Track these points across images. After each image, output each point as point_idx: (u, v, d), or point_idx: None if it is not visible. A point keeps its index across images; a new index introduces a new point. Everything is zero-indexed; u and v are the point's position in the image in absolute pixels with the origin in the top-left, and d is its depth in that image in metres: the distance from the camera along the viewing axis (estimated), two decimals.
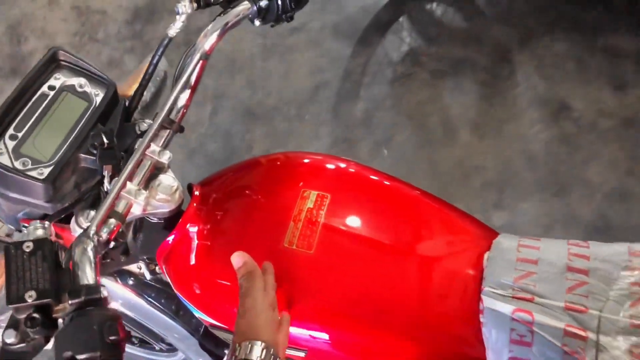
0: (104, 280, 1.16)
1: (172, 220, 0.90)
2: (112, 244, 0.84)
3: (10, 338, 0.62)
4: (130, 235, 1.02)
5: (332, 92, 2.28)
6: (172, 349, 1.67)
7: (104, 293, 0.64)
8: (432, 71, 2.31)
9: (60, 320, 0.65)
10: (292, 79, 2.34)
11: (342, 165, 0.96)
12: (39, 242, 0.66)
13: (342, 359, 0.85)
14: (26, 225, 0.89)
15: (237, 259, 0.81)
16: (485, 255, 0.85)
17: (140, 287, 1.23)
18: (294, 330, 0.82)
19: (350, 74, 2.34)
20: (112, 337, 0.59)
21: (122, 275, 1.21)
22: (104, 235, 0.76)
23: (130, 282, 1.23)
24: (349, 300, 0.83)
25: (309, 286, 0.83)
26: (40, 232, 0.72)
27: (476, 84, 2.26)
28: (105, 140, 0.77)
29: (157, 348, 1.72)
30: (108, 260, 1.02)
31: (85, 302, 0.63)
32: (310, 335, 0.83)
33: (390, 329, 0.83)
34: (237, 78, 2.36)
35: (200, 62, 0.84)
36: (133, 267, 1.22)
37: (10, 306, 0.61)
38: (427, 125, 2.17)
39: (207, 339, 1.17)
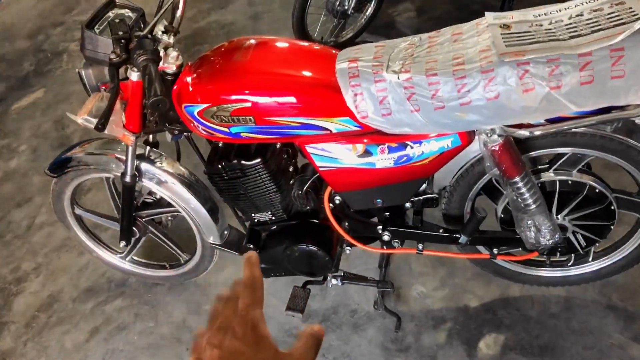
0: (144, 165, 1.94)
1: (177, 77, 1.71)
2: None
3: (113, 55, 1.45)
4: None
5: None
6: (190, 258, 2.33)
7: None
8: None
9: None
10: None
11: (266, 37, 1.79)
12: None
13: (277, 103, 1.61)
14: (105, 88, 1.71)
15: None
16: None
17: (174, 172, 1.98)
18: (243, 97, 1.60)
19: None
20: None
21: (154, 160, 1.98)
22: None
23: (162, 165, 1.99)
24: (269, 74, 1.62)
25: (249, 70, 1.62)
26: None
27: None
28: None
29: (182, 261, 2.37)
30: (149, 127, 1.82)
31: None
32: (252, 100, 1.59)
33: (295, 87, 1.59)
34: None
35: None
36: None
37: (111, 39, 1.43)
38: None
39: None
